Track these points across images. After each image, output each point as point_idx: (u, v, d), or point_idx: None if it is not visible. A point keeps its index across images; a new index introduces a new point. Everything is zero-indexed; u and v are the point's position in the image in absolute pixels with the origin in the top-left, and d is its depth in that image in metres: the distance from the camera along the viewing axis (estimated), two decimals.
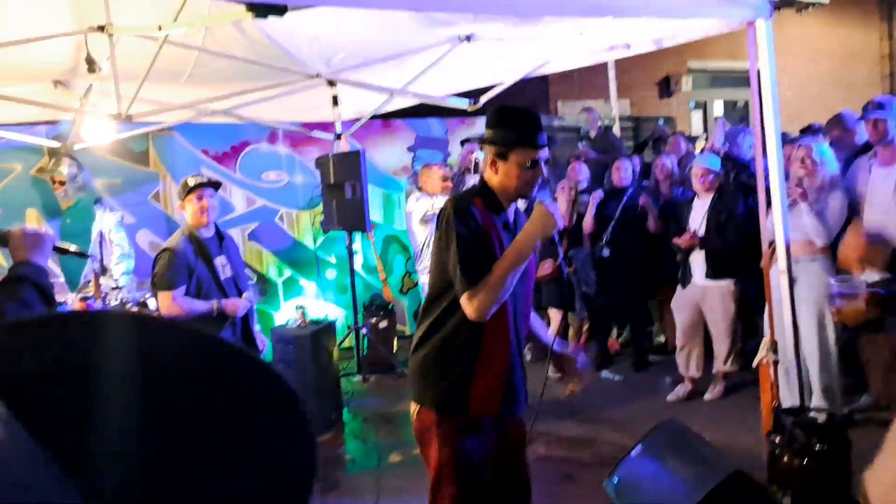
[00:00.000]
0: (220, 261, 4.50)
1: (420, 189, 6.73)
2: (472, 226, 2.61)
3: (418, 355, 2.80)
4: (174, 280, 4.31)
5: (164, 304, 4.35)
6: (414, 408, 2.82)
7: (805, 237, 4.76)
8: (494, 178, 2.73)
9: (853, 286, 2.93)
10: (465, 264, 2.56)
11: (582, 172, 7.08)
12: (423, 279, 6.01)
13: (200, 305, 4.36)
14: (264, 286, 7.87)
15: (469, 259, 2.56)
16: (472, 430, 2.73)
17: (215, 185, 4.55)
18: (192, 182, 4.45)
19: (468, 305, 2.56)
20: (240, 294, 4.59)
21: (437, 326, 2.73)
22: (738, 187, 6.03)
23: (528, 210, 2.81)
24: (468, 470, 2.73)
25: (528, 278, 2.84)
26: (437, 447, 2.73)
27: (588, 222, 6.70)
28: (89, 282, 5.73)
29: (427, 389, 2.77)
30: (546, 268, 6.60)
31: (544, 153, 2.72)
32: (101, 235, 6.03)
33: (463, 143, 7.62)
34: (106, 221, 6.12)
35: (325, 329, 5.83)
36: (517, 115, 2.75)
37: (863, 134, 5.39)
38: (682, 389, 6.00)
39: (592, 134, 8.54)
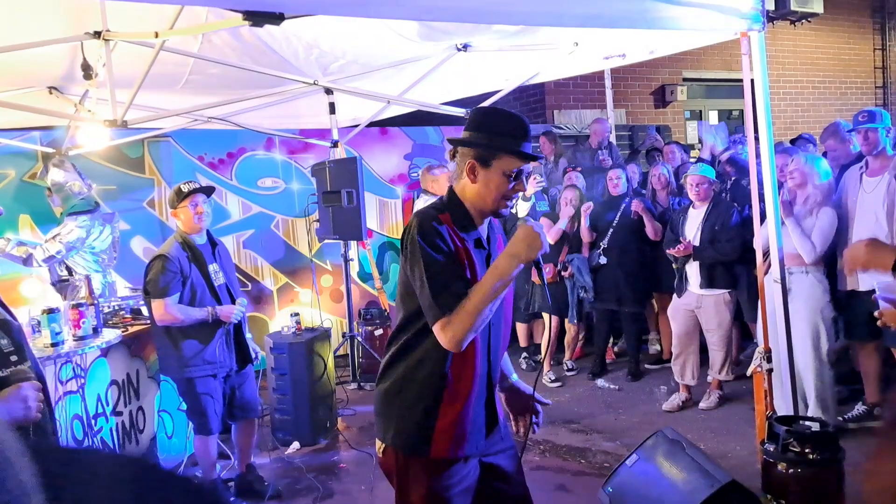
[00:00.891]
0: (213, 268, 4.50)
1: (426, 192, 6.72)
2: (441, 246, 2.31)
3: (381, 388, 2.53)
4: (167, 287, 4.29)
5: (158, 311, 4.34)
6: (378, 445, 2.56)
7: (795, 249, 4.79)
8: (469, 188, 2.42)
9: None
10: (437, 290, 2.27)
11: (578, 181, 7.10)
12: None
13: (196, 313, 4.36)
14: (259, 294, 7.86)
15: (441, 284, 2.27)
16: (443, 469, 2.44)
17: (208, 191, 4.54)
18: (185, 188, 4.45)
19: (442, 334, 2.27)
20: (233, 301, 4.59)
21: (401, 357, 2.46)
22: (738, 194, 6.06)
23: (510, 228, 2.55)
24: None
25: (506, 302, 2.56)
26: (406, 490, 2.48)
27: (585, 232, 6.73)
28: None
29: (389, 427, 2.49)
30: (546, 272, 6.65)
31: (528, 167, 2.45)
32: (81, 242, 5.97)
33: None
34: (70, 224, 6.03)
35: (320, 337, 5.82)
36: (507, 119, 2.45)
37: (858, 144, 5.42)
38: (677, 398, 6.01)
39: (602, 144, 8.50)
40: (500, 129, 2.40)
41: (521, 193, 2.50)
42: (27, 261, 5.88)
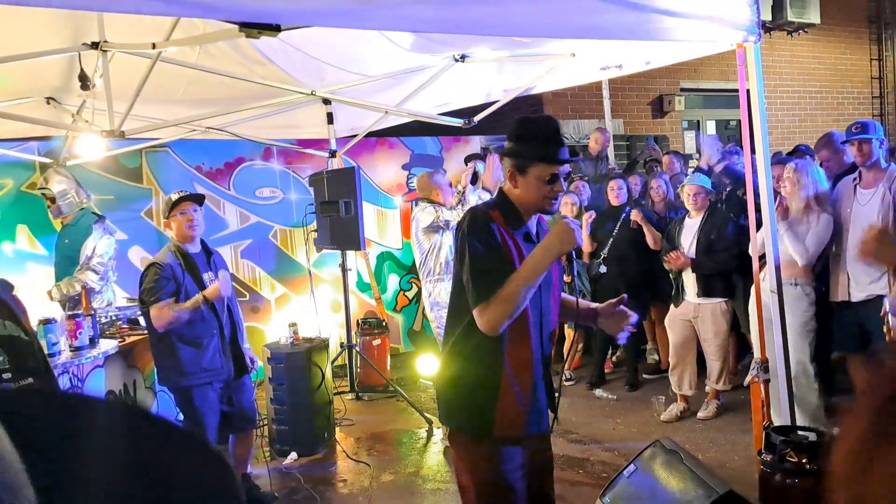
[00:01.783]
0: (207, 276, 4.48)
1: (427, 200, 6.73)
2: (486, 238, 2.54)
3: (443, 378, 2.75)
4: (160, 292, 4.27)
5: (155, 316, 4.31)
6: (444, 430, 2.76)
7: (787, 258, 4.80)
8: (514, 192, 2.65)
9: None
10: (478, 277, 2.49)
11: (585, 192, 7.12)
12: (429, 287, 6.01)
13: (188, 304, 4.30)
14: (257, 304, 7.86)
15: (482, 271, 2.49)
16: (504, 451, 2.64)
17: (198, 199, 4.52)
18: (174, 196, 4.45)
19: (480, 318, 2.49)
20: (230, 312, 4.57)
21: (457, 347, 2.66)
22: (733, 204, 6.07)
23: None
24: (504, 493, 2.64)
25: (554, 289, 2.77)
26: (470, 471, 2.68)
27: (585, 241, 6.73)
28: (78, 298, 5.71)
29: (453, 413, 2.72)
30: None
31: (565, 168, 2.64)
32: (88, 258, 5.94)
33: (467, 160, 7.64)
34: (91, 243, 6.00)
35: (318, 347, 5.81)
36: (538, 127, 2.66)
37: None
38: (675, 408, 6.00)
39: (601, 154, 8.50)
40: (532, 138, 2.62)
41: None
42: (88, 291, 5.78)
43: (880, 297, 4.60)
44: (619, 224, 6.65)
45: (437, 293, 5.93)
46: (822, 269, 5.10)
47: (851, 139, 4.87)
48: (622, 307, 2.87)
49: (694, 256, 5.74)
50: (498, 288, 2.46)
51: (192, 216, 4.42)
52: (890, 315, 2.90)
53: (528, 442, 2.70)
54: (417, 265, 6.13)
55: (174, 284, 4.31)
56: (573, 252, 2.60)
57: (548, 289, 2.71)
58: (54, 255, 6.28)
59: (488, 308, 2.46)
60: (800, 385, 4.90)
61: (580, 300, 2.95)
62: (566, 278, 6.72)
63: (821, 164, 5.99)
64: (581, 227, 6.61)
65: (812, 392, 4.97)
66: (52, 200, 6.06)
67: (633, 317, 2.88)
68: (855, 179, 4.96)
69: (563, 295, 3.02)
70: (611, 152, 9.43)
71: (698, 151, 8.11)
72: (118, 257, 6.42)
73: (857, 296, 4.79)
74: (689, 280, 5.82)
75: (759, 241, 4.16)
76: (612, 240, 6.64)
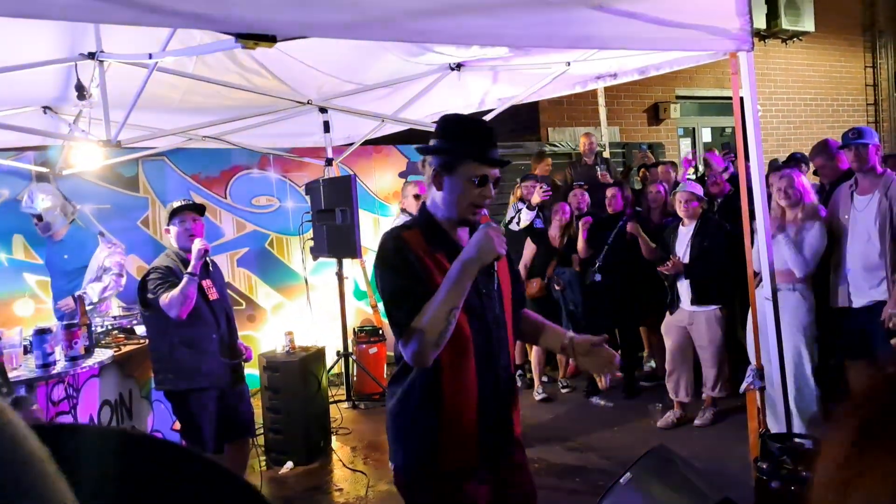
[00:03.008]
0: (206, 283, 4.48)
1: (403, 210, 6.75)
2: (396, 264, 2.31)
3: (387, 412, 2.50)
4: (164, 285, 4.22)
5: (167, 304, 4.18)
6: (391, 468, 2.52)
7: (785, 266, 4.82)
8: (437, 198, 2.41)
9: None
10: (392, 307, 2.28)
11: (584, 201, 7.13)
12: None
13: (183, 283, 4.22)
14: (253, 312, 7.85)
15: (395, 301, 2.28)
16: (452, 486, 2.39)
17: (200, 210, 4.53)
18: (176, 205, 4.46)
19: (403, 350, 2.25)
20: (228, 319, 4.57)
21: (398, 378, 2.44)
22: (727, 211, 6.09)
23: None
24: None
25: (504, 301, 2.52)
26: None
27: (581, 248, 6.74)
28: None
29: (397, 449, 2.46)
30: (533, 286, 6.67)
31: (495, 173, 2.40)
32: (103, 269, 5.91)
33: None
34: (101, 257, 5.98)
35: (314, 355, 5.82)
36: (469, 125, 2.47)
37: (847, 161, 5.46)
38: (671, 415, 6.00)
39: (589, 160, 8.52)
40: (463, 135, 2.41)
41: (526, 203, 2.53)
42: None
43: (881, 303, 4.62)
44: (614, 232, 6.65)
45: None
46: (820, 275, 5.11)
47: (848, 144, 4.89)
48: (603, 346, 2.59)
49: (688, 263, 5.75)
50: (415, 315, 2.22)
51: (192, 225, 4.42)
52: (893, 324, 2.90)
53: (475, 481, 2.43)
54: None
55: (173, 279, 4.29)
56: (495, 264, 2.39)
57: (493, 305, 2.47)
58: (49, 271, 6.24)
59: (410, 338, 2.21)
60: (801, 392, 4.91)
61: (553, 323, 2.77)
62: (557, 287, 6.74)
63: (816, 172, 6.01)
64: (552, 233, 6.71)
65: (812, 399, 4.98)
66: (39, 218, 5.98)
67: (615, 358, 2.61)
68: (851, 186, 4.98)
69: (531, 314, 2.85)
70: (608, 157, 9.47)
71: (706, 164, 8.10)
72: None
73: (858, 302, 4.80)
74: (684, 287, 5.83)
75: (755, 252, 4.18)
76: (607, 248, 6.64)
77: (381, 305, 7.97)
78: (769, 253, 3.97)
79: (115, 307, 6.30)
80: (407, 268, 2.31)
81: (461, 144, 2.39)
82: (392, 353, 6.55)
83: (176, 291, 4.21)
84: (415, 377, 2.37)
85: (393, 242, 2.36)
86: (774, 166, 6.18)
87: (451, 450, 2.38)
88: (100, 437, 0.66)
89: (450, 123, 2.48)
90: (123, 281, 5.94)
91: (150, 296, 4.31)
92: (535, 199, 6.85)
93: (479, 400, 2.40)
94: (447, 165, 2.38)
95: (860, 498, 0.53)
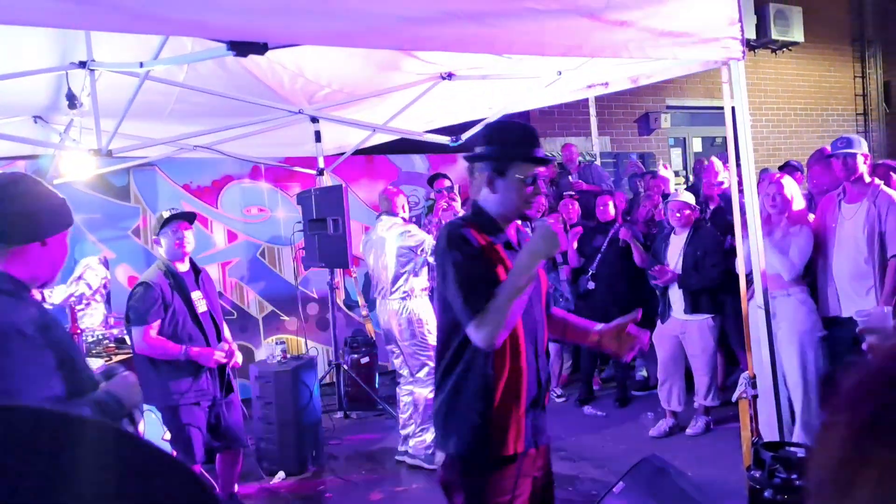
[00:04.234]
0: (196, 295, 4.48)
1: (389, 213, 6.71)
2: (468, 251, 2.46)
3: (437, 401, 2.65)
4: (147, 314, 4.27)
5: (137, 339, 4.32)
6: (440, 456, 2.66)
7: (774, 272, 4.82)
8: (491, 199, 2.60)
9: (878, 319, 2.90)
10: (467, 292, 2.41)
11: (575, 211, 7.14)
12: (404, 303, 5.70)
13: (172, 349, 4.32)
14: (244, 322, 7.82)
15: (469, 286, 2.41)
16: (501, 471, 2.56)
17: (190, 218, 4.53)
18: (166, 214, 4.46)
19: (475, 334, 2.39)
20: (217, 329, 4.56)
21: (450, 369, 2.57)
22: (719, 220, 6.11)
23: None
24: None
25: (543, 299, 2.74)
26: (465, 496, 2.58)
27: (572, 257, 6.75)
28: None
29: (449, 436, 2.59)
30: None
31: (542, 171, 2.63)
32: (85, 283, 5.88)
33: (430, 181, 7.66)
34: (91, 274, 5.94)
35: (305, 365, 5.79)
36: (515, 129, 2.68)
37: None
38: (664, 424, 6.00)
39: (571, 169, 8.56)
40: (511, 139, 2.61)
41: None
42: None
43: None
44: (607, 240, 6.66)
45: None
46: (813, 282, 5.11)
47: (836, 153, 4.92)
48: (633, 326, 2.78)
49: (681, 272, 5.76)
50: (488, 299, 2.37)
51: (183, 234, 4.42)
52: (864, 333, 2.89)
53: (527, 460, 2.63)
54: (388, 284, 5.67)
55: (162, 308, 4.31)
56: (559, 256, 2.59)
57: (538, 300, 2.67)
58: None
59: (482, 323, 2.37)
60: (806, 397, 4.89)
61: (579, 318, 2.92)
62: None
63: (812, 180, 6.03)
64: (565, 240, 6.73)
65: (811, 404, 4.96)
66: None
67: (644, 336, 2.81)
68: (839, 194, 5.00)
69: (558, 311, 2.99)
70: (598, 164, 9.50)
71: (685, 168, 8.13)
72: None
73: (847, 310, 4.81)
74: (676, 296, 5.84)
75: (747, 261, 4.19)
76: (599, 256, 6.65)
77: (373, 314, 7.96)
78: (762, 261, 3.97)
79: (100, 316, 6.26)
80: (477, 254, 2.48)
81: (509, 148, 2.59)
82: (383, 363, 6.47)
83: (154, 343, 4.29)
84: (470, 365, 2.52)
85: (462, 233, 2.51)
86: (765, 176, 6.20)
87: (506, 435, 2.54)
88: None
89: (496, 130, 2.70)
90: (99, 308, 5.94)
91: (128, 316, 4.36)
92: None
93: (527, 386, 2.58)
94: (499, 170, 2.57)
95: (865, 494, 0.52)
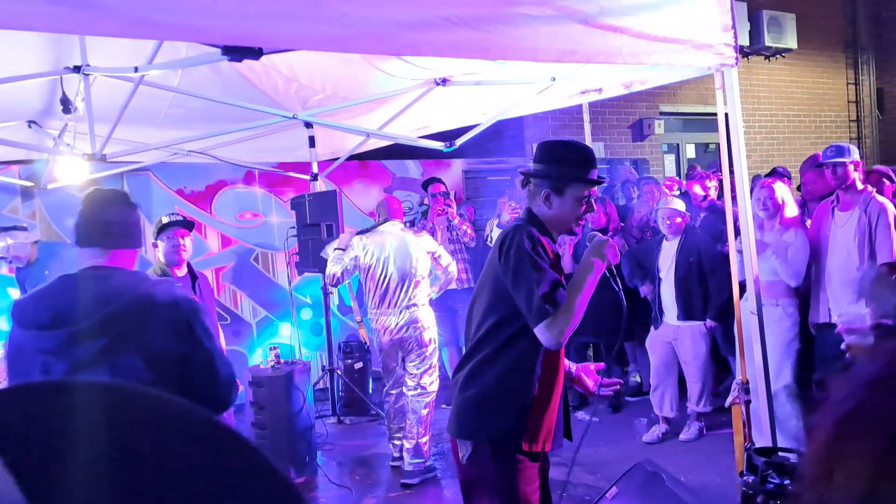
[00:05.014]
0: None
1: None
2: (542, 253, 2.61)
3: (471, 391, 2.73)
4: None
5: None
6: (464, 447, 2.73)
7: (774, 276, 4.84)
8: (547, 212, 2.76)
9: (857, 320, 2.94)
10: (544, 293, 2.53)
11: None
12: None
13: None
14: (238, 327, 7.81)
15: (546, 286, 2.54)
16: (528, 466, 2.72)
17: (189, 226, 4.53)
18: (165, 220, 4.45)
19: (547, 333, 2.53)
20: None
21: (493, 360, 2.69)
22: (710, 227, 6.12)
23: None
24: None
25: None
26: (496, 485, 2.70)
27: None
28: None
29: (484, 425, 2.71)
30: None
31: (596, 190, 2.82)
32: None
33: (425, 185, 7.68)
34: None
35: (299, 370, 5.79)
36: (575, 150, 2.83)
37: None
38: (657, 430, 6.01)
39: None
40: (570, 160, 2.78)
41: (497, 219, 2.81)
42: None
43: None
44: None
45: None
46: (805, 290, 5.14)
47: (826, 162, 4.94)
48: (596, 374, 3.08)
49: (674, 280, 5.77)
50: (561, 301, 2.54)
51: (181, 241, 4.41)
52: (844, 334, 2.93)
53: (543, 458, 2.82)
54: (408, 290, 5.50)
55: None
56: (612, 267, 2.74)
57: None
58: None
59: (556, 321, 2.52)
60: (782, 406, 4.92)
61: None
62: None
63: (805, 187, 6.06)
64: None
65: (791, 414, 4.99)
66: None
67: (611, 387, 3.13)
68: (833, 202, 5.03)
69: None
70: None
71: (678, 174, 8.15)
72: None
73: (837, 317, 4.83)
74: (669, 302, 5.84)
75: (739, 267, 4.20)
76: None
77: (366, 319, 7.95)
78: (754, 267, 3.98)
79: None
80: (549, 259, 2.63)
81: (568, 170, 2.75)
82: (377, 369, 6.41)
83: None
84: (519, 359, 2.66)
85: (535, 235, 2.64)
86: (756, 182, 6.22)
87: (539, 432, 2.71)
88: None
89: (556, 150, 2.85)
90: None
91: None
92: (505, 216, 6.86)
93: (561, 384, 2.79)
94: (557, 188, 2.73)
95: (843, 486, 0.55)
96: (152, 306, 2.43)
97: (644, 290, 6.07)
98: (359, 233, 5.68)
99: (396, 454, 5.64)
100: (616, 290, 2.90)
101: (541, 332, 2.54)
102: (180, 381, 2.44)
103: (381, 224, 5.67)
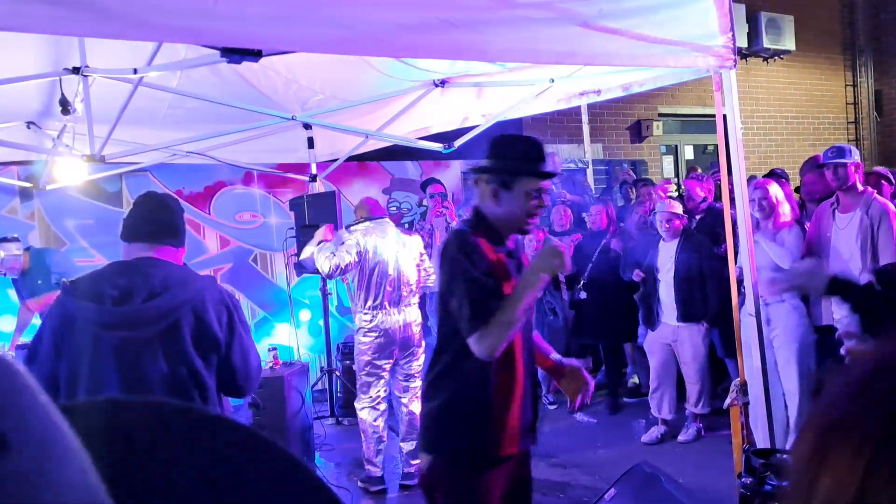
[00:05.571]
0: None
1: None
2: (477, 262, 2.49)
3: (432, 404, 2.66)
4: None
5: None
6: (425, 459, 2.68)
7: (767, 276, 4.83)
8: (495, 210, 2.62)
9: (856, 324, 2.92)
10: (473, 304, 2.43)
11: (567, 217, 7.15)
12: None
13: None
14: None
15: (476, 298, 2.44)
16: (489, 473, 2.62)
17: None
18: None
19: (478, 344, 2.43)
20: None
21: (449, 372, 2.61)
22: (706, 230, 6.13)
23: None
24: None
25: (530, 309, 2.75)
26: (452, 495, 2.62)
27: (568, 265, 6.73)
28: None
29: (443, 436, 2.64)
30: None
31: (547, 185, 2.66)
32: None
33: (423, 186, 7.68)
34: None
35: (298, 371, 5.78)
36: (523, 143, 2.70)
37: None
38: (656, 431, 6.01)
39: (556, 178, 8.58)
40: (518, 154, 2.64)
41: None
42: None
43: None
44: (598, 250, 6.66)
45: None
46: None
47: (827, 163, 4.94)
48: (583, 372, 2.95)
49: (673, 281, 5.77)
50: (494, 312, 2.42)
51: None
52: (843, 337, 2.92)
53: (514, 461, 2.70)
54: (414, 288, 5.54)
55: None
56: (562, 276, 2.64)
57: (531, 312, 2.74)
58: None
59: (486, 334, 2.41)
60: (805, 405, 4.90)
61: (541, 339, 2.98)
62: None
63: (805, 188, 6.06)
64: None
65: (804, 410, 4.98)
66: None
67: (590, 385, 2.96)
68: (833, 204, 5.02)
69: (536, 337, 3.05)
70: (590, 175, 9.53)
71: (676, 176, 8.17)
72: None
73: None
74: (668, 303, 5.84)
75: (738, 268, 4.21)
76: (590, 265, 6.65)
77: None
78: (753, 269, 3.99)
79: None
80: (486, 267, 2.51)
81: (516, 163, 2.62)
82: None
83: None
84: (470, 371, 2.56)
85: (472, 242, 2.55)
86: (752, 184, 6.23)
87: (501, 437, 2.61)
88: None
89: (503, 144, 2.71)
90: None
91: None
92: None
93: (522, 393, 2.65)
94: (505, 183, 2.60)
95: (820, 497, 0.56)
96: (203, 299, 2.68)
97: (636, 276, 6.04)
98: (347, 227, 5.59)
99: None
100: (562, 301, 2.88)
101: (472, 344, 2.44)
102: (220, 366, 2.72)
103: (365, 221, 5.51)
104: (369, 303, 5.35)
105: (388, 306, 5.34)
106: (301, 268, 6.13)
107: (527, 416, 2.70)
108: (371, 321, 5.33)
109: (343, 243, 5.31)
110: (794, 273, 2.75)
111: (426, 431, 2.72)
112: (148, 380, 2.56)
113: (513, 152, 2.64)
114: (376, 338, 5.32)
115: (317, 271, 5.52)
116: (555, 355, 2.97)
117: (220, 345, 2.69)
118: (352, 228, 5.46)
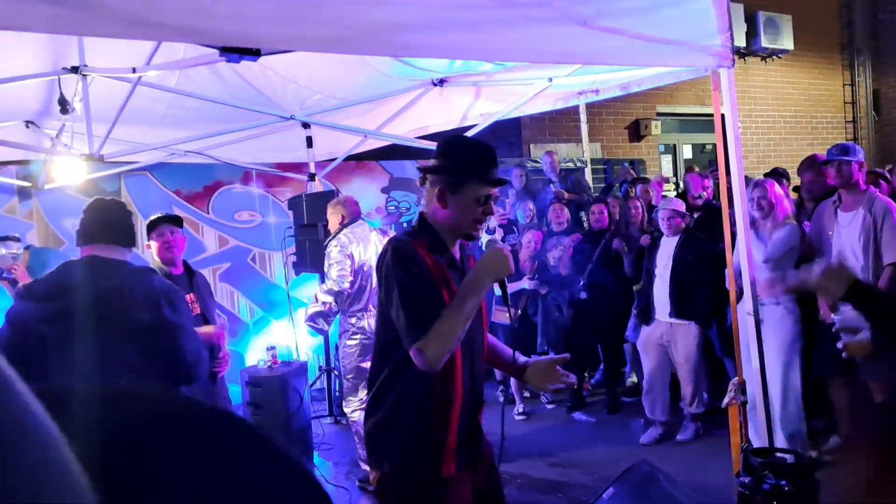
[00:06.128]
0: (189, 297, 4.45)
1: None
2: (415, 271, 2.37)
3: (373, 421, 2.55)
4: None
5: None
6: (373, 475, 2.58)
7: (764, 277, 4.83)
8: (440, 213, 2.50)
9: (853, 319, 2.91)
10: (411, 313, 2.32)
11: (563, 216, 7.15)
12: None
13: None
14: (235, 327, 7.81)
15: (414, 307, 2.33)
16: (439, 489, 2.48)
17: (176, 221, 4.50)
18: (153, 218, 4.45)
19: (418, 357, 2.31)
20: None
21: (387, 388, 2.50)
22: (704, 232, 6.13)
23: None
24: None
25: (484, 319, 2.68)
26: None
27: (565, 264, 6.75)
28: None
29: (386, 454, 2.52)
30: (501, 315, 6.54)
31: (496, 191, 2.53)
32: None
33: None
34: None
35: (296, 370, 5.79)
36: (474, 146, 2.58)
37: None
38: (654, 431, 6.01)
39: (554, 177, 8.59)
40: (468, 157, 2.51)
41: (485, 225, 2.59)
42: None
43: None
44: (598, 250, 6.66)
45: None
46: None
47: (831, 160, 4.93)
48: (559, 368, 2.81)
49: (669, 277, 5.77)
50: (433, 322, 2.31)
51: (170, 237, 4.39)
52: (839, 332, 2.90)
53: (460, 484, 2.54)
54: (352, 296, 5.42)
55: None
56: (505, 280, 2.49)
57: (479, 322, 2.59)
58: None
59: (427, 345, 2.30)
60: (785, 408, 4.92)
61: (515, 353, 2.79)
62: (506, 312, 6.70)
63: (804, 187, 6.06)
64: (523, 256, 6.71)
65: (796, 415, 4.99)
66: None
67: (570, 378, 2.85)
68: (835, 202, 5.01)
69: (494, 342, 2.93)
70: (588, 175, 9.53)
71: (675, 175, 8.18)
72: None
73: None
74: (663, 299, 5.84)
75: (736, 268, 4.21)
76: (590, 265, 6.65)
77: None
78: (751, 268, 4.00)
79: None
80: (425, 276, 2.39)
81: (465, 166, 2.49)
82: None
83: None
84: (409, 385, 2.45)
85: (409, 250, 2.42)
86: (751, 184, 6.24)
87: (440, 456, 2.47)
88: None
89: (454, 145, 2.61)
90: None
91: None
92: (493, 222, 6.86)
93: (461, 408, 2.51)
94: (452, 185, 2.47)
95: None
96: (131, 287, 2.91)
97: (644, 241, 6.07)
98: (338, 232, 5.48)
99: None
100: (507, 304, 2.79)
101: (413, 355, 2.33)
102: (153, 353, 2.90)
103: (348, 226, 5.43)
104: (354, 306, 5.34)
105: (372, 309, 5.32)
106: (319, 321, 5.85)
107: (470, 430, 2.58)
108: (356, 323, 5.32)
109: (332, 263, 5.24)
110: (812, 274, 2.70)
111: (370, 447, 2.60)
112: (86, 367, 2.71)
113: (463, 154, 2.53)
114: (361, 340, 5.30)
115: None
116: (522, 359, 2.83)
117: (147, 331, 2.90)
118: (336, 238, 5.36)
